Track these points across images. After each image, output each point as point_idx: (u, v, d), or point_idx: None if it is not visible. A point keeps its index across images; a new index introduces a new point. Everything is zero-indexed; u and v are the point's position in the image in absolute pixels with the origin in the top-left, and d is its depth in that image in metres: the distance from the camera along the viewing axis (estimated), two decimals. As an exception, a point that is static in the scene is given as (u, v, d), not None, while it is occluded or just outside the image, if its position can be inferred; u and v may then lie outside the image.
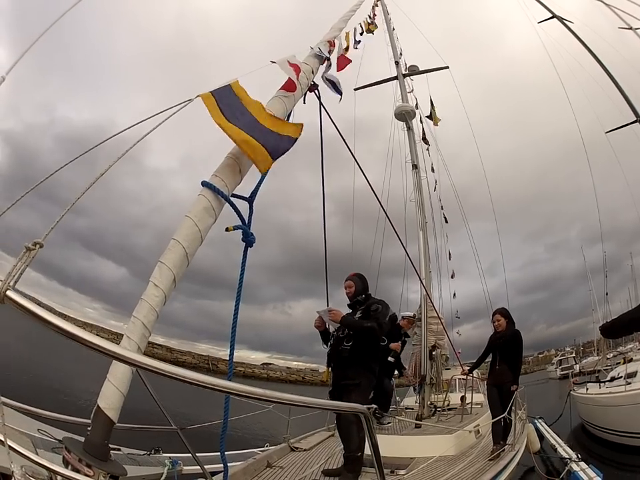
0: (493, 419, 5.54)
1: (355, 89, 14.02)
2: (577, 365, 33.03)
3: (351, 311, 4.46)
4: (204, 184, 2.21)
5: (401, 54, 13.81)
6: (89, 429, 1.73)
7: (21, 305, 1.02)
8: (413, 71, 13.56)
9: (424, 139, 13.17)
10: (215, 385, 1.21)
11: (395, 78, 13.30)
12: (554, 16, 14.91)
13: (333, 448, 5.54)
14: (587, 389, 12.76)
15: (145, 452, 5.66)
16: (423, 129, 13.32)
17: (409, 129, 12.06)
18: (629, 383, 9.85)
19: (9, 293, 1.18)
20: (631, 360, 12.33)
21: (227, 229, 2.30)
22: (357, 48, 5.28)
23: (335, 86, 3.84)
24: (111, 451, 1.83)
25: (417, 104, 13.32)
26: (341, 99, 4.00)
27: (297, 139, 2.65)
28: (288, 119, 2.90)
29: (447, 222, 13.91)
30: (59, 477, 1.40)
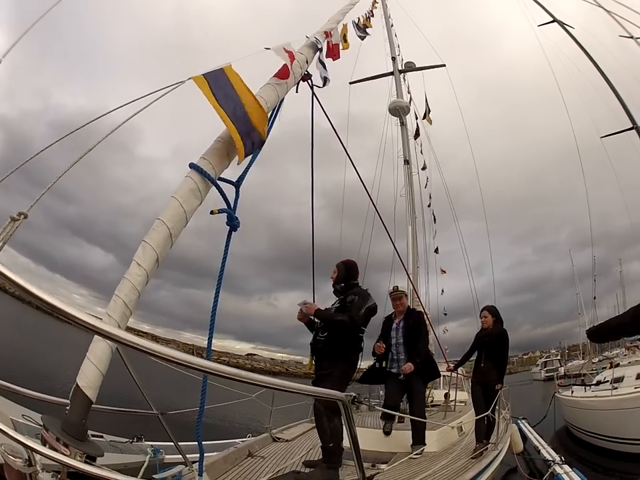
0: (476, 416, 5.56)
1: (351, 83, 14.02)
2: (562, 368, 33.29)
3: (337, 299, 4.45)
4: (191, 166, 2.21)
5: (398, 51, 13.84)
6: (67, 408, 1.73)
7: (5, 275, 0.99)
8: (410, 67, 13.62)
9: (416, 135, 13.20)
10: (193, 364, 1.18)
11: (391, 74, 13.34)
12: (555, 20, 14.92)
13: (315, 439, 5.52)
14: (573, 392, 12.83)
15: (127, 439, 5.64)
16: (417, 125, 13.36)
17: (402, 124, 12.10)
18: (615, 388, 9.95)
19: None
20: (617, 365, 12.45)
21: (211, 212, 2.29)
22: (363, 39, 5.28)
23: (324, 68, 3.82)
24: (93, 438, 1.81)
25: (410, 98, 13.34)
26: (324, 84, 3.95)
27: (264, 141, 2.65)
28: (279, 107, 2.89)
29: (435, 221, 13.95)
30: (37, 456, 1.38)
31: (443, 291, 15.12)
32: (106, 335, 1.10)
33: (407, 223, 10.97)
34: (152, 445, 5.39)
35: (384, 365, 5.73)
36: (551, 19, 14.91)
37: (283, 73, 2.94)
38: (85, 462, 1.52)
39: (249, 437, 6.87)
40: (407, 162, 11.78)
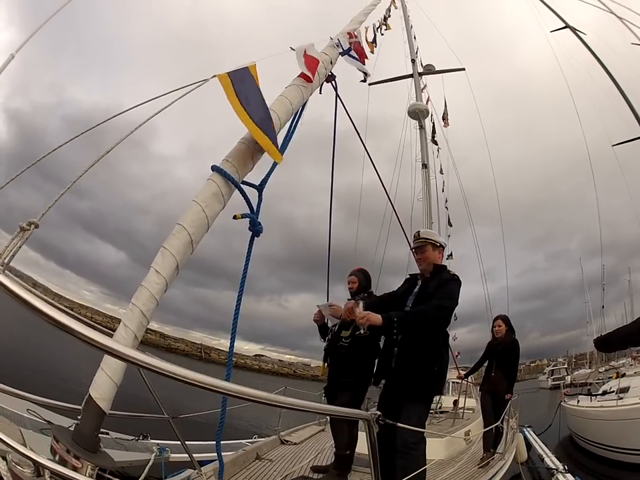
0: (485, 425, 5.51)
1: (370, 84, 13.88)
2: (569, 376, 33.12)
3: None
4: (214, 168, 2.13)
5: (417, 53, 13.77)
6: (79, 417, 1.68)
7: (9, 289, 0.93)
8: (429, 70, 13.55)
9: (433, 138, 13.12)
10: (213, 386, 1.14)
11: (411, 76, 13.27)
12: (567, 26, 14.83)
13: (323, 443, 5.51)
14: (578, 401, 12.75)
15: (133, 437, 5.65)
16: (434, 128, 13.27)
17: (421, 127, 12.04)
18: (621, 398, 9.82)
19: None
20: (624, 375, 12.34)
21: (234, 217, 2.22)
22: (375, 45, 5.24)
23: (362, 63, 3.80)
24: (100, 435, 1.77)
25: (428, 99, 13.25)
26: (365, 79, 3.92)
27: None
28: (303, 108, 2.84)
29: (450, 225, 13.84)
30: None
31: None
32: (118, 356, 1.03)
33: (423, 226, 10.92)
34: (158, 444, 5.40)
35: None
36: (563, 25, 14.85)
37: (306, 76, 2.88)
38: (97, 475, 1.50)
39: (255, 437, 6.83)
40: (425, 166, 11.69)
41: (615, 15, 13.72)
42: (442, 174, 13.55)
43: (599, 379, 16.69)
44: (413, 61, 13.46)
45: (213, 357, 59.80)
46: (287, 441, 5.43)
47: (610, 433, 9.43)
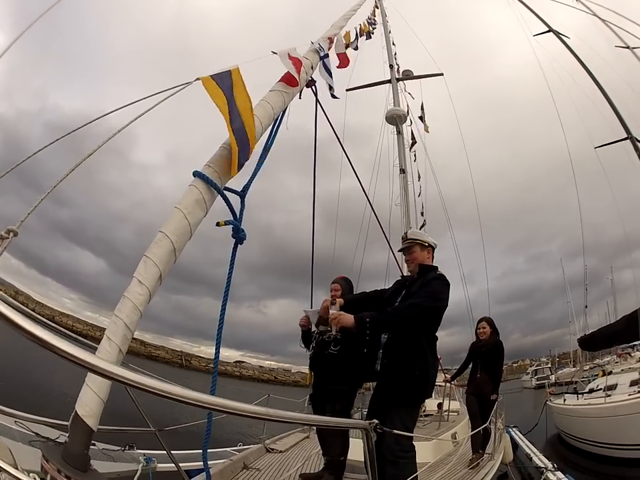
0: (472, 427, 5.52)
1: (347, 90, 13.88)
2: (553, 376, 33.46)
3: None
4: (196, 174, 2.09)
5: (395, 58, 13.81)
6: (67, 435, 1.63)
7: None
8: (407, 75, 13.59)
9: (412, 145, 13.16)
10: (201, 402, 1.11)
11: (389, 81, 13.29)
12: (550, 30, 15.01)
13: (309, 450, 5.48)
14: (565, 400, 12.89)
15: (119, 448, 5.57)
16: (412, 133, 13.32)
17: (399, 133, 12.06)
18: (609, 395, 9.99)
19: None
20: (610, 372, 12.54)
21: (217, 224, 2.17)
22: (356, 49, 5.23)
23: (330, 75, 3.77)
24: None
25: (407, 107, 13.30)
26: (332, 93, 3.90)
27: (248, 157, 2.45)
28: (283, 114, 2.82)
29: (422, 227, 13.79)
30: None
31: None
32: (103, 374, 0.98)
33: (401, 231, 10.95)
34: (144, 454, 5.36)
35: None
36: (547, 29, 15.02)
37: (290, 80, 2.85)
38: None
39: (239, 445, 6.76)
40: (402, 171, 11.71)
41: (599, 17, 13.98)
42: (419, 180, 13.56)
43: (584, 378, 16.92)
44: (391, 66, 13.40)
45: (193, 364, 59.55)
46: (273, 449, 5.37)
47: (599, 430, 9.59)
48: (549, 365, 46.13)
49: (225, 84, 2.35)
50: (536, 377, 42.53)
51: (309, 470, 4.50)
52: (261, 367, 74.50)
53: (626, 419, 8.68)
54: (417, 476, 2.91)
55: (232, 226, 2.25)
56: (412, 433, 3.18)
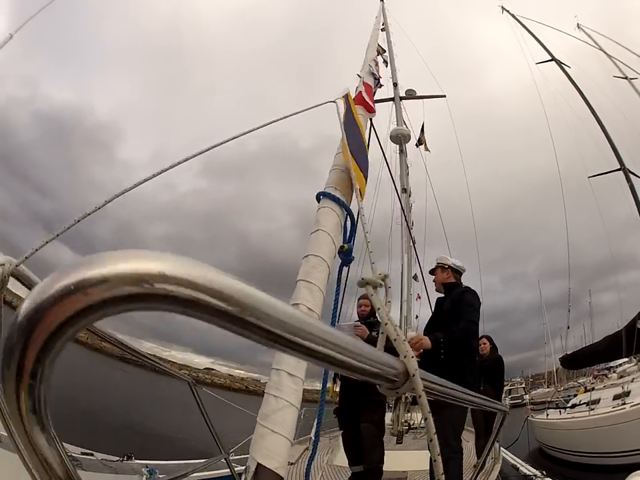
0: (477, 435, 5.66)
1: None
2: (527, 395, 33.86)
3: None
4: (331, 197, 2.06)
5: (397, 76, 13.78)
6: None
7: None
8: (411, 94, 13.55)
9: (420, 142, 13.11)
10: None
11: (392, 99, 13.25)
12: (553, 59, 15.44)
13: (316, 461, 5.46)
14: (548, 415, 13.21)
15: (118, 458, 5.46)
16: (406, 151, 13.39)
17: (402, 151, 12.05)
18: (593, 409, 10.39)
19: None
20: (592, 389, 12.88)
21: (342, 248, 2.05)
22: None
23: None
24: (84, 456, 1.64)
25: (405, 124, 13.34)
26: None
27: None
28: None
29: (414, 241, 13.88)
30: None
31: (417, 316, 15.12)
32: None
33: (402, 251, 11.01)
34: (146, 465, 5.25)
35: None
36: (550, 58, 15.49)
37: (369, 107, 2.92)
38: None
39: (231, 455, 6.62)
40: (405, 190, 11.57)
41: (603, 50, 14.51)
42: (409, 196, 13.60)
43: (559, 398, 17.23)
44: (395, 84, 13.25)
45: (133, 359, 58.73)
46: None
47: (584, 440, 9.99)
48: (523, 385, 46.53)
49: (348, 112, 2.44)
50: (510, 396, 42.85)
51: None
52: (230, 375, 73.39)
53: (610, 429, 9.19)
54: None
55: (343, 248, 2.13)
56: (460, 435, 3.54)
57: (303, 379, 1.55)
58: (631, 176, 12.67)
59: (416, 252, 11.62)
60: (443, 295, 4.05)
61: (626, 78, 14.13)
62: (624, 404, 9.51)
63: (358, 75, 3.33)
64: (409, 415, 9.20)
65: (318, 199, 2.13)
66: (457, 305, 3.62)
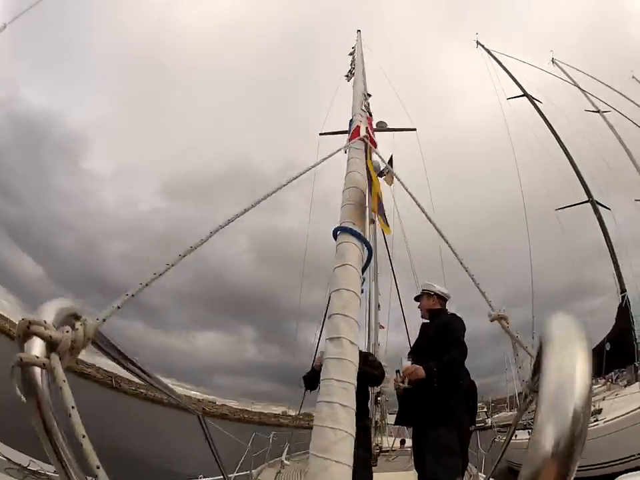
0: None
1: (320, 134, 13.86)
2: (489, 419, 34.36)
3: None
4: (353, 232, 2.10)
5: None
6: None
7: None
8: (382, 127, 13.74)
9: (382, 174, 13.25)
10: None
11: None
12: (525, 94, 15.98)
13: None
14: (516, 435, 13.44)
15: (92, 477, 5.30)
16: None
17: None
18: None
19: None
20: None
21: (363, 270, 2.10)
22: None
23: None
24: (56, 474, 1.61)
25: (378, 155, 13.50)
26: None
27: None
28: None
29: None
30: None
31: (379, 344, 15.17)
32: None
33: (369, 279, 11.13)
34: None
35: None
36: (522, 93, 16.03)
37: (373, 141, 3.00)
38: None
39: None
40: (372, 221, 11.56)
41: (577, 86, 15.12)
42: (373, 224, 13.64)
43: (522, 420, 17.56)
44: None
45: (123, 387, 56.95)
46: None
47: None
48: (485, 409, 47.16)
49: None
50: (472, 420, 43.29)
51: None
52: (187, 396, 72.05)
53: (586, 444, 9.44)
54: None
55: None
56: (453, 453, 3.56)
57: (354, 408, 1.58)
58: (599, 207, 13.23)
59: (395, 280, 11.83)
60: (427, 321, 4.21)
61: (598, 111, 14.72)
62: (596, 421, 10.07)
63: (363, 109, 3.42)
64: (379, 439, 9.33)
65: (335, 234, 2.19)
66: (443, 331, 3.76)
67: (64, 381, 0.72)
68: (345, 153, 2.97)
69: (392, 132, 13.73)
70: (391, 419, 10.40)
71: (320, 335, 4.50)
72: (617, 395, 10.42)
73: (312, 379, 4.37)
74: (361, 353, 4.05)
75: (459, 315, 4.03)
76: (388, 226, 2.61)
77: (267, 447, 7.34)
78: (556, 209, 14.95)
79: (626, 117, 14.72)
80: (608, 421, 9.73)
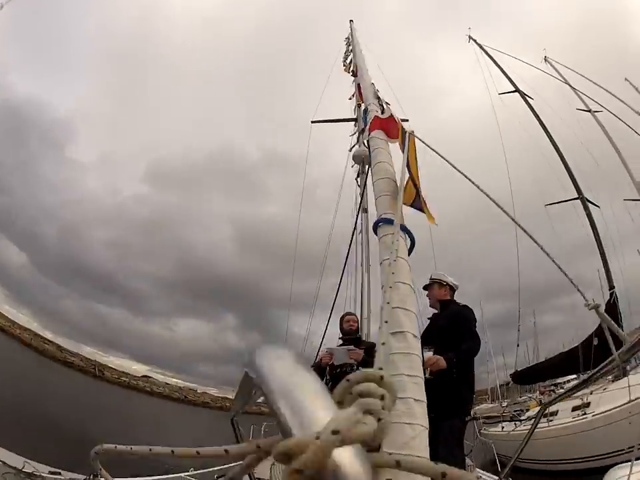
0: None
1: (312, 122, 13.92)
2: (472, 410, 34.93)
3: (341, 342, 4.77)
4: (402, 227, 2.05)
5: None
6: None
7: None
8: None
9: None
10: None
11: (355, 120, 13.12)
12: (517, 90, 16.17)
13: None
14: (503, 428, 13.81)
15: (85, 477, 5.36)
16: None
17: (363, 172, 12.11)
18: (551, 420, 11.08)
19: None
20: (549, 403, 13.65)
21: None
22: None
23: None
24: (51, 475, 1.59)
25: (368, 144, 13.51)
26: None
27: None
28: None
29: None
30: None
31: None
32: None
33: (362, 273, 11.20)
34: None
35: None
36: (513, 89, 16.24)
37: (394, 133, 2.92)
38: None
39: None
40: (365, 210, 11.58)
41: (569, 84, 15.37)
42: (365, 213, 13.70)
43: (504, 412, 17.99)
44: (359, 105, 13.42)
45: (106, 376, 56.76)
46: None
47: (545, 449, 10.62)
48: (466, 401, 48.06)
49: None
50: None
51: None
52: (167, 384, 71.47)
53: (575, 437, 10.16)
54: None
55: None
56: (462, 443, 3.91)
57: (426, 401, 1.56)
58: (589, 204, 13.57)
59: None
60: (437, 311, 4.32)
61: (589, 111, 14.99)
62: (584, 414, 10.34)
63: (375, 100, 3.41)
64: None
65: (375, 229, 2.17)
66: (455, 321, 3.92)
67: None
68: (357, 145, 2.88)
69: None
70: None
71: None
72: (604, 389, 10.57)
73: (319, 372, 4.32)
74: (366, 343, 4.21)
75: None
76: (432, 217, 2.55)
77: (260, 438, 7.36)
78: (546, 205, 15.38)
79: (617, 117, 15.00)
80: (597, 414, 9.96)
